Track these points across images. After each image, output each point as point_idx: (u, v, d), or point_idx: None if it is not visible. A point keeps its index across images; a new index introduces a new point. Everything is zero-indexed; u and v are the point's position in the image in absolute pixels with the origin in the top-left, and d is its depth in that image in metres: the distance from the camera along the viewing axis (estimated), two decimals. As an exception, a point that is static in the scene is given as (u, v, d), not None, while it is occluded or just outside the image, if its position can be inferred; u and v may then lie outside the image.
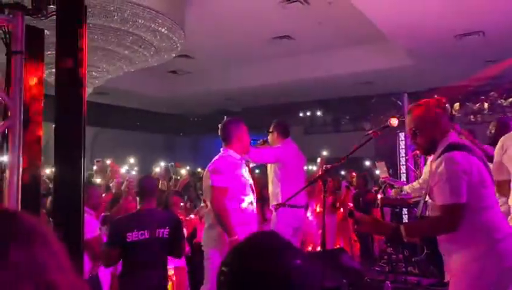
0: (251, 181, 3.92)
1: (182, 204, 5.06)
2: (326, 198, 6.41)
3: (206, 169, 3.88)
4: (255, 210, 3.91)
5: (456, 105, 8.87)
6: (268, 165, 4.87)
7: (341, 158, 3.08)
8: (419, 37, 7.37)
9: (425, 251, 3.15)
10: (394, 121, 2.92)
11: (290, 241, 1.09)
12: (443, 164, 2.31)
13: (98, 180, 6.43)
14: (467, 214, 2.26)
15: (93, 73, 7.21)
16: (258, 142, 5.03)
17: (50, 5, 2.09)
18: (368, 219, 2.51)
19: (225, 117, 4.09)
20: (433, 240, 2.47)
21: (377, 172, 7.66)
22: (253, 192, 3.88)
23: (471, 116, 10.22)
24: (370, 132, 2.91)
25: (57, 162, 2.05)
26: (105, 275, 4.16)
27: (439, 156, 2.39)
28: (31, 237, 0.77)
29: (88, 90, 7.49)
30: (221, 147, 3.94)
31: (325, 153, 7.62)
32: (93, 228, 3.82)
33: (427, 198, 2.53)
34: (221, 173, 3.69)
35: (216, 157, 3.88)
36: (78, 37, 2.07)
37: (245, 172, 3.90)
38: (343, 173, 10.31)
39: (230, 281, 1.00)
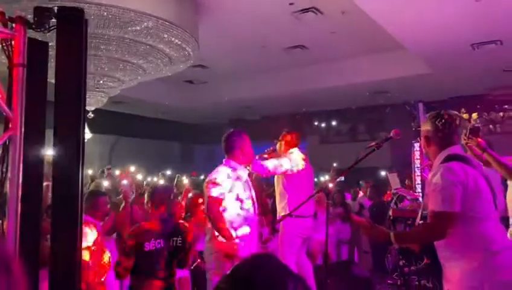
0: (253, 193, 3.91)
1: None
2: (335, 209, 6.35)
3: (206, 180, 3.91)
4: (256, 220, 3.90)
5: (474, 115, 8.70)
6: (276, 177, 4.85)
7: (343, 172, 3.06)
8: (436, 46, 7.28)
9: (424, 261, 3.10)
10: (396, 133, 2.88)
11: (286, 266, 1.07)
12: (439, 173, 2.33)
13: (105, 183, 6.51)
14: (462, 224, 2.27)
15: (109, 83, 7.32)
16: (266, 150, 5.01)
17: (51, 18, 2.14)
18: (364, 222, 2.53)
19: (230, 129, 4.11)
20: (433, 249, 2.47)
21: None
22: (253, 203, 3.87)
23: (491, 126, 10.02)
24: (373, 143, 2.88)
25: (55, 172, 2.07)
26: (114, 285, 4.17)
27: (437, 166, 2.42)
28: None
29: (103, 99, 7.64)
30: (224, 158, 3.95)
31: (340, 162, 7.55)
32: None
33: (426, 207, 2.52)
34: (218, 183, 3.71)
35: (217, 167, 3.89)
36: (78, 49, 2.10)
37: (245, 184, 3.88)
38: (360, 182, 10.20)
39: None
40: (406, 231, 3.03)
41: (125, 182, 4.99)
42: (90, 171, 8.62)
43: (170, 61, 7.03)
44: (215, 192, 3.71)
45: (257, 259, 1.08)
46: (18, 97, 2.06)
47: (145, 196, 3.83)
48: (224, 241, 3.62)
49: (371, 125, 12.60)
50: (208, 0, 6.82)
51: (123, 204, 4.62)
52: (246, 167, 3.99)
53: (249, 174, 4.07)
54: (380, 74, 9.14)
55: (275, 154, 4.86)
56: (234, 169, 3.84)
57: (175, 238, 3.51)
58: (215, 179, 3.75)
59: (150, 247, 3.39)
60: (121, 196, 5.05)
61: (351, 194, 8.49)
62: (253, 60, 9.43)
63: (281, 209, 4.69)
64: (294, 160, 4.62)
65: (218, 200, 3.70)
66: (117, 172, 6.90)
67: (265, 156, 4.84)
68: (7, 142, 2.08)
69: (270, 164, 4.46)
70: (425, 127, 2.56)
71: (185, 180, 8.22)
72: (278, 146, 4.92)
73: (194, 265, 4.68)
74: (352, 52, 8.83)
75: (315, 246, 5.10)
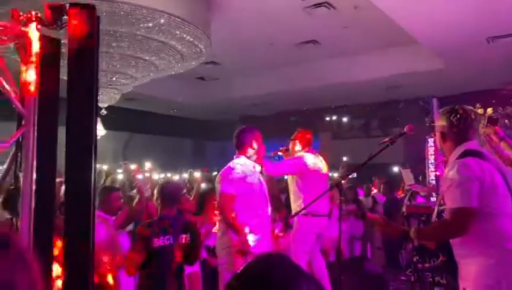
0: (264, 188, 3.91)
1: None
2: (348, 206, 6.31)
3: (218, 175, 3.91)
4: (268, 217, 3.90)
5: (489, 110, 8.58)
6: (289, 176, 4.83)
7: (356, 168, 3.04)
8: (450, 40, 7.17)
9: (440, 258, 3.06)
10: (410, 129, 2.84)
11: (299, 267, 1.06)
12: (455, 169, 2.31)
13: (120, 177, 6.54)
14: (479, 220, 2.25)
15: (122, 80, 7.36)
16: (281, 148, 5.00)
17: (64, 15, 2.14)
18: (378, 219, 2.52)
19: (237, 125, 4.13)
20: (449, 246, 2.44)
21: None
22: (266, 200, 3.87)
23: (506, 121, 9.86)
24: (386, 139, 2.84)
25: (68, 168, 2.08)
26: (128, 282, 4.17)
27: (453, 162, 2.40)
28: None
29: (116, 96, 7.68)
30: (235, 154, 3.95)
31: (353, 158, 7.48)
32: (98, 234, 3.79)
33: (442, 203, 2.49)
34: (230, 179, 3.73)
35: (229, 164, 3.89)
36: (91, 45, 2.10)
37: (258, 179, 3.89)
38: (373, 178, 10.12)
39: None
40: (427, 227, 3.00)
41: (140, 176, 5.00)
42: (105, 167, 8.69)
43: (182, 58, 7.04)
44: (226, 188, 3.71)
45: (271, 258, 1.07)
46: (31, 94, 2.07)
47: (155, 191, 3.82)
48: (237, 237, 3.63)
49: (383, 121, 12.50)
50: (219, -3, 6.81)
51: (137, 198, 4.63)
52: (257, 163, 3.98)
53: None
54: (393, 69, 9.04)
55: (287, 153, 4.85)
56: (246, 165, 3.84)
57: (184, 235, 3.51)
58: (228, 174, 3.75)
59: (159, 243, 3.39)
60: (135, 190, 5.07)
61: (363, 190, 8.43)
62: (264, 56, 9.40)
63: (297, 207, 4.64)
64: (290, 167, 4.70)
65: (231, 196, 3.70)
66: (132, 166, 6.99)
67: (280, 153, 4.85)
68: (20, 139, 2.10)
69: (283, 165, 4.56)
70: (440, 122, 2.53)
71: (197, 175, 8.24)
72: (290, 145, 4.90)
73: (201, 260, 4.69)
74: (364, 47, 8.75)
75: (327, 243, 5.08)
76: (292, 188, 4.77)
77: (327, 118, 13.20)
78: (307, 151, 4.83)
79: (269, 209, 3.91)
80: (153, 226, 3.47)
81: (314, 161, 4.76)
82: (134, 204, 4.57)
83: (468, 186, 2.25)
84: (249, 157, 3.89)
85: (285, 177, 5.46)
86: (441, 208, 2.49)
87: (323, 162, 4.89)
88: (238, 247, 3.60)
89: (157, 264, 3.41)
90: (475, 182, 2.25)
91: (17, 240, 0.86)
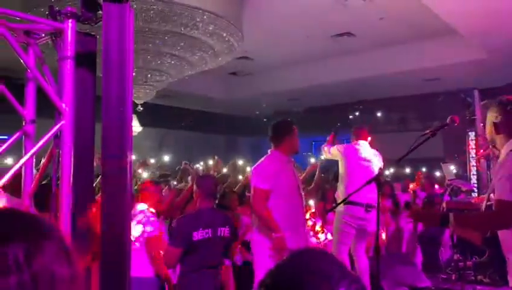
0: (299, 183, 3.87)
1: None
2: (384, 201, 6.24)
3: (251, 169, 3.88)
4: (303, 212, 3.86)
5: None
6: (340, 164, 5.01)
7: (397, 160, 2.96)
8: (491, 29, 6.88)
9: (487, 253, 2.94)
10: (454, 120, 2.73)
11: (341, 264, 0.99)
12: (509, 161, 2.24)
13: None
14: None
15: (157, 77, 7.44)
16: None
17: (99, 11, 2.15)
18: (421, 210, 2.48)
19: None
20: (496, 241, 2.34)
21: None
22: (299, 195, 3.80)
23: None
24: (427, 131, 2.74)
25: (104, 162, 2.09)
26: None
27: (507, 153, 2.32)
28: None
29: (151, 93, 7.78)
30: (269, 148, 3.91)
31: (389, 153, 7.23)
32: (152, 226, 3.86)
33: (492, 197, 2.39)
34: (264, 174, 3.68)
35: (262, 158, 3.85)
36: (124, 41, 2.10)
37: (292, 175, 3.83)
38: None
39: None
40: (468, 214, 2.90)
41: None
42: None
43: (215, 54, 7.05)
44: (260, 183, 3.67)
45: (306, 255, 1.01)
46: (68, 89, 2.09)
47: (190, 180, 3.88)
48: (272, 233, 3.58)
49: (422, 114, 12.17)
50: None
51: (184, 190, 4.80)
52: (291, 158, 3.94)
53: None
54: (430, 61, 8.75)
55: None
56: (280, 160, 3.79)
57: (223, 228, 3.50)
58: (262, 169, 3.72)
59: (198, 237, 3.40)
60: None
61: (401, 184, 8.23)
62: (298, 50, 9.29)
63: (340, 192, 4.85)
64: (332, 153, 5.05)
65: (264, 191, 3.65)
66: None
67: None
68: (58, 134, 2.12)
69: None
70: (494, 113, 2.45)
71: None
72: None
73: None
74: (401, 38, 8.51)
75: (370, 239, 5.02)
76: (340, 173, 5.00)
77: (364, 112, 12.94)
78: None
79: (303, 203, 3.85)
80: (192, 220, 3.50)
81: (367, 151, 4.93)
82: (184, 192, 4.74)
83: None
84: (283, 151, 3.83)
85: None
86: (489, 203, 2.38)
87: (377, 154, 5.03)
88: (274, 244, 3.55)
89: (197, 258, 3.42)
90: None
91: (60, 232, 0.85)
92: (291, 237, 3.57)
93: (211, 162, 8.22)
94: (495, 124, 2.42)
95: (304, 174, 5.46)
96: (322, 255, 1.00)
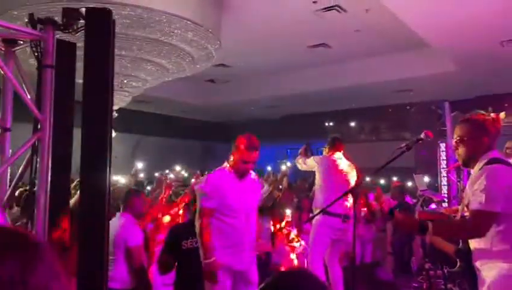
0: (250, 198, 3.50)
1: None
2: (359, 210, 6.36)
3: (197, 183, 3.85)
4: (250, 230, 3.46)
5: (502, 114, 8.46)
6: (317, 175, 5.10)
7: (374, 171, 3.03)
8: (462, 43, 7.11)
9: (458, 264, 3.04)
10: (428, 135, 2.82)
11: (324, 286, 1.02)
12: (484, 174, 2.33)
13: (148, 187, 6.65)
14: (504, 225, 2.27)
15: (133, 83, 7.38)
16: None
17: (80, 20, 2.14)
18: (401, 216, 2.54)
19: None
20: (468, 252, 2.43)
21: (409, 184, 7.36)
22: (247, 211, 3.44)
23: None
24: (403, 145, 2.82)
25: (83, 170, 2.08)
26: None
27: (480, 168, 2.41)
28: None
29: (127, 99, 7.70)
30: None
31: (362, 162, 7.34)
32: (136, 237, 3.72)
33: (465, 210, 2.47)
34: (207, 191, 3.34)
35: (209, 173, 3.65)
36: (106, 50, 2.10)
37: (237, 188, 3.43)
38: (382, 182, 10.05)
39: None
40: (445, 222, 2.99)
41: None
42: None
43: (193, 61, 7.05)
44: (204, 200, 3.33)
45: (292, 276, 1.04)
46: (47, 98, 2.07)
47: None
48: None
49: (394, 124, 12.43)
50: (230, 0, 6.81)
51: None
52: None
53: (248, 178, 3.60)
54: (404, 72, 8.97)
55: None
56: (227, 174, 3.46)
57: None
58: (204, 187, 3.38)
59: (187, 246, 3.43)
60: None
61: (374, 194, 8.36)
62: (275, 59, 9.38)
63: (318, 202, 4.94)
64: (308, 165, 5.20)
65: (207, 210, 3.31)
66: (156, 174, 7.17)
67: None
68: (36, 144, 2.10)
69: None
70: (467, 128, 2.54)
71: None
72: (324, 151, 5.27)
73: None
74: (376, 50, 8.70)
75: (344, 248, 5.11)
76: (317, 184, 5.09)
77: (337, 122, 13.14)
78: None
79: (253, 221, 3.48)
80: (182, 229, 3.57)
81: (333, 162, 5.00)
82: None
83: (495, 192, 2.27)
84: (231, 165, 3.46)
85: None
86: (466, 214, 2.47)
87: (351, 166, 5.08)
88: (205, 268, 3.23)
89: (187, 266, 3.45)
90: (503, 189, 2.28)
91: (52, 247, 0.85)
92: (229, 254, 3.31)
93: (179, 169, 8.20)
94: (467, 139, 2.51)
95: (276, 181, 5.58)
96: (308, 276, 1.03)
